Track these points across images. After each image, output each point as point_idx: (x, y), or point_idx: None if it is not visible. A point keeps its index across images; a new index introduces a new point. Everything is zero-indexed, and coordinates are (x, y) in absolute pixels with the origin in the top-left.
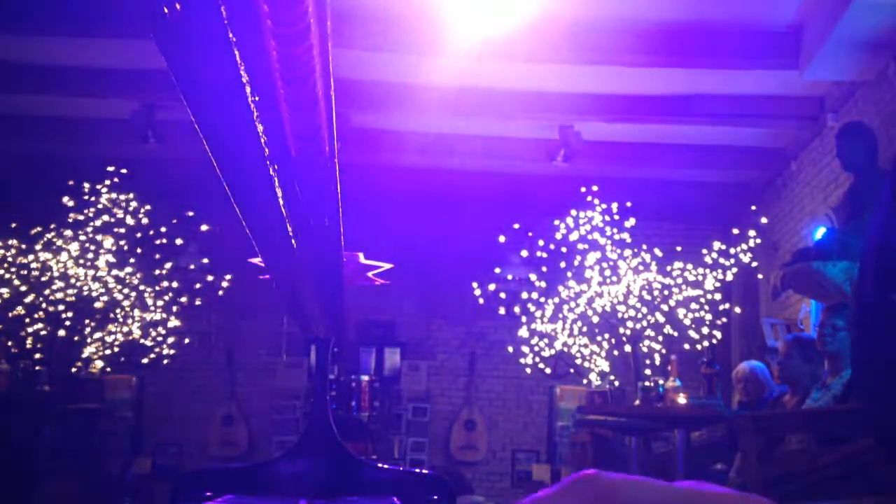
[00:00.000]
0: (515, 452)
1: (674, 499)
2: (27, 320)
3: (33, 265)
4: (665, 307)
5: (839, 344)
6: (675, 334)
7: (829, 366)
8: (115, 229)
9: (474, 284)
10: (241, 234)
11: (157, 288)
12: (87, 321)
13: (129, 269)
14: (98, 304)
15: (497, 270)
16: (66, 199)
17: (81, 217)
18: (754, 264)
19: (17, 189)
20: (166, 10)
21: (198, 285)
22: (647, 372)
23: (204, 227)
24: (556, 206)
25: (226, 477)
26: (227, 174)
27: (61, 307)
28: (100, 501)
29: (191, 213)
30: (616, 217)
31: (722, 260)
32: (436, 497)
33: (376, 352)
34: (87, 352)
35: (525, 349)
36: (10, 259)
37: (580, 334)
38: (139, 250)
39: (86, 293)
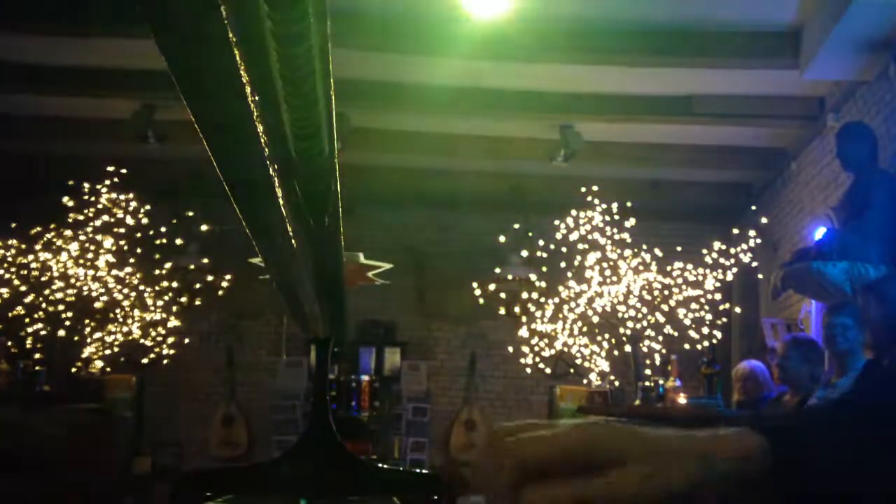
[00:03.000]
0: None
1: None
2: (27, 320)
3: (33, 265)
4: (665, 307)
5: (849, 343)
6: (675, 334)
7: (836, 365)
8: (115, 229)
9: (474, 284)
10: (241, 234)
11: (157, 288)
12: (87, 321)
13: (129, 269)
14: (98, 304)
15: (497, 270)
16: (66, 199)
17: (81, 217)
18: (754, 264)
19: (17, 189)
20: (166, 11)
21: (198, 285)
22: (647, 372)
23: (204, 227)
24: (556, 206)
25: (226, 477)
26: (227, 174)
27: (61, 307)
28: (100, 501)
29: (191, 213)
30: (616, 217)
31: (722, 260)
32: (436, 497)
33: (376, 352)
34: (87, 352)
35: (525, 349)
36: (10, 259)
37: (580, 334)
38: (139, 250)
39: (86, 293)
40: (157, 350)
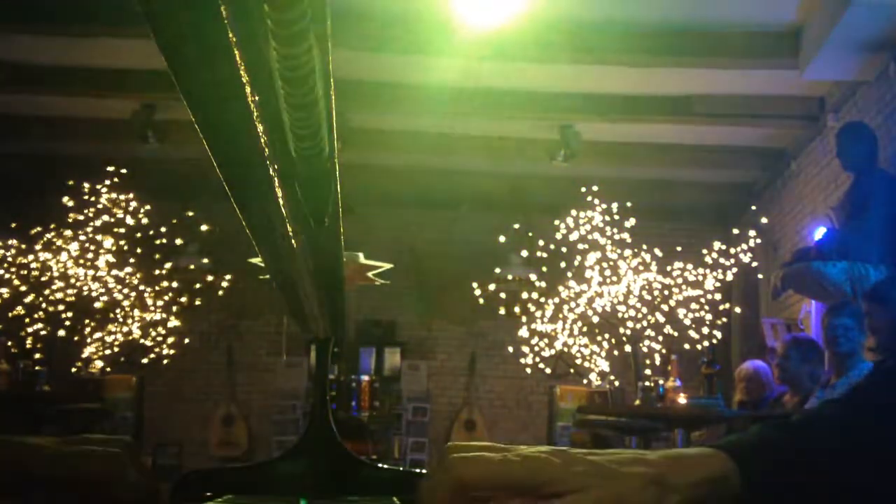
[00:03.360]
0: None
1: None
2: (27, 320)
3: (33, 265)
4: (665, 307)
5: (852, 343)
6: (675, 334)
7: (835, 366)
8: (115, 229)
9: (474, 284)
10: (242, 234)
11: (157, 288)
12: (87, 321)
13: (129, 269)
14: (98, 304)
15: (497, 270)
16: (66, 199)
17: (81, 217)
18: (754, 264)
19: (17, 189)
20: (167, 11)
21: (198, 285)
22: (647, 372)
23: (204, 227)
24: (556, 206)
25: (226, 477)
26: (227, 174)
27: (61, 307)
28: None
29: (191, 213)
30: (616, 217)
31: (722, 260)
32: None
33: (376, 352)
34: (87, 352)
35: (525, 349)
36: (10, 259)
37: (580, 334)
38: (139, 250)
39: (86, 293)
40: (157, 350)
